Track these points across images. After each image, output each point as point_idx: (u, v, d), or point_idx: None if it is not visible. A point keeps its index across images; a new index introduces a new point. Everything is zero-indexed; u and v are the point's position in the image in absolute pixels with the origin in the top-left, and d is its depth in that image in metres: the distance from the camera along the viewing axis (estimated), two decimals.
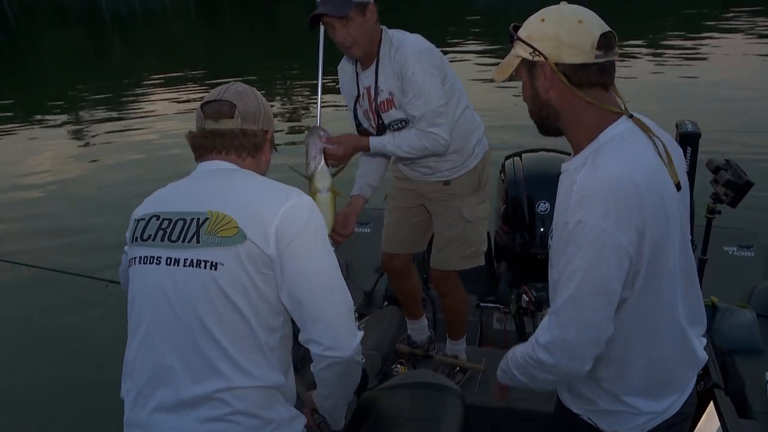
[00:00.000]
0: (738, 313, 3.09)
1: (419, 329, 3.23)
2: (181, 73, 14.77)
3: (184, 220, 1.60)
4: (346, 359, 1.59)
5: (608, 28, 1.43)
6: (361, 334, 1.66)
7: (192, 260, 1.55)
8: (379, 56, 2.49)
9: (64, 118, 11.96)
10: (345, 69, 2.66)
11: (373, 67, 2.51)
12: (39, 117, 11.97)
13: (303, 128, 9.44)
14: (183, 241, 1.58)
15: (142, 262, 1.63)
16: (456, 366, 3.07)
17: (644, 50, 13.71)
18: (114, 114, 11.52)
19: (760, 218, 4.60)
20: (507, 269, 3.78)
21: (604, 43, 1.40)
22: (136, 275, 1.65)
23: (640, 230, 1.39)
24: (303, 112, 11.10)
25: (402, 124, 2.55)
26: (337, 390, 1.73)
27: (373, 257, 3.42)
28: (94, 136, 10.38)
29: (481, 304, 3.61)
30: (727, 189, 2.85)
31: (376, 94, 2.53)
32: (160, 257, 1.59)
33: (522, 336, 3.38)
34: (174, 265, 1.57)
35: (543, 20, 1.45)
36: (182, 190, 1.70)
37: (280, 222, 1.55)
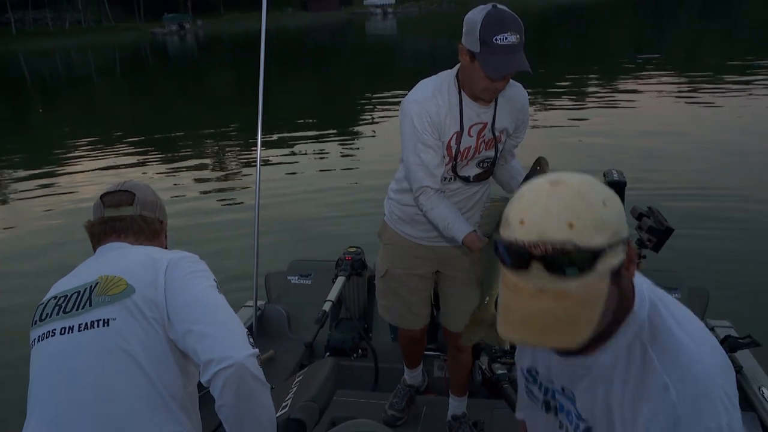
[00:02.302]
0: None
1: (416, 375, 3.27)
2: (106, 136, 14.51)
3: (79, 292, 1.64)
4: (237, 365, 1.50)
5: None
6: (255, 351, 1.58)
7: (86, 323, 1.58)
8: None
9: None
10: (435, 101, 2.36)
11: (492, 104, 2.41)
12: None
13: (241, 186, 9.43)
14: (77, 309, 1.61)
15: (39, 340, 1.65)
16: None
17: (567, 100, 14.84)
18: (34, 179, 11.08)
19: (683, 261, 4.88)
20: None
21: None
22: (34, 355, 1.66)
23: None
24: (237, 169, 11.09)
25: (488, 164, 2.54)
26: (244, 418, 1.56)
27: (313, 308, 3.43)
28: (11, 201, 10.01)
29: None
30: (650, 235, 3.00)
31: (493, 129, 2.44)
32: (55, 329, 1.60)
33: None
34: (68, 333, 1.58)
35: (604, 203, 1.07)
36: (79, 271, 1.74)
37: (167, 270, 1.63)
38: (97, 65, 42.95)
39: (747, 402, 2.95)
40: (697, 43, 28.08)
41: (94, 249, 1.82)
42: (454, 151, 2.41)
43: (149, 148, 12.96)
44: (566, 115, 12.61)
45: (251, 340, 1.62)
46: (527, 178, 2.11)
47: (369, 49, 38.58)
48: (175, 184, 9.84)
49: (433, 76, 2.45)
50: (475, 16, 2.18)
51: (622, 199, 3.25)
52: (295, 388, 2.31)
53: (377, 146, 12.12)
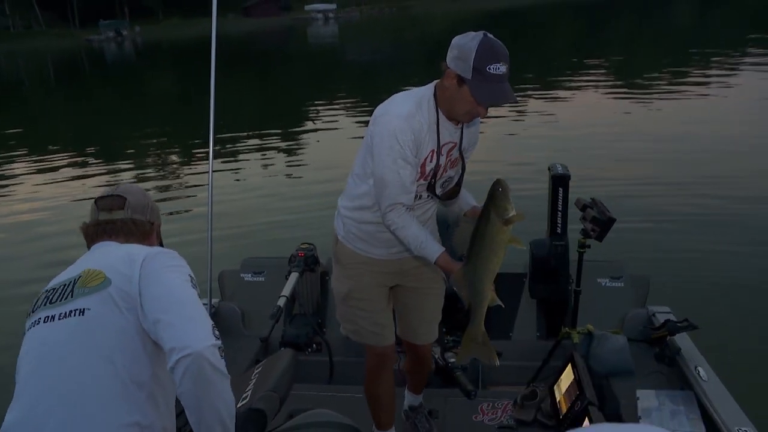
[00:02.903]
0: (612, 339, 3.36)
1: None
2: (42, 146, 14.15)
3: (65, 285, 1.77)
4: (196, 354, 1.56)
5: None
6: (217, 342, 1.64)
7: (65, 312, 1.70)
8: None
9: None
10: (418, 118, 2.36)
11: (461, 125, 2.47)
12: None
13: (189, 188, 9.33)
14: (60, 300, 1.73)
15: (28, 329, 1.77)
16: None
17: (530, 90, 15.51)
18: None
19: (626, 251, 5.08)
20: None
21: None
22: (23, 343, 1.76)
23: None
24: (183, 173, 10.97)
25: (448, 183, 2.57)
26: (202, 406, 1.61)
27: (267, 305, 3.47)
28: None
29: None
30: (593, 225, 3.14)
31: (460, 149, 2.51)
32: (40, 318, 1.73)
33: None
34: (50, 321, 1.71)
35: None
36: (71, 266, 1.86)
37: (143, 263, 1.73)
38: (29, 72, 41.61)
39: (685, 382, 3.11)
40: (634, 44, 29.02)
41: (89, 248, 1.95)
42: (428, 169, 2.42)
43: (90, 157, 12.71)
44: (510, 115, 12.93)
45: (216, 332, 1.67)
46: (489, 198, 2.19)
47: (312, 54, 38.48)
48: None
49: (409, 92, 2.44)
50: (468, 42, 2.21)
51: (566, 191, 3.44)
52: (254, 379, 2.36)
53: (322, 149, 12.33)
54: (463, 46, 2.22)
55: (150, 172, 11.43)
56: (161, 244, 2.07)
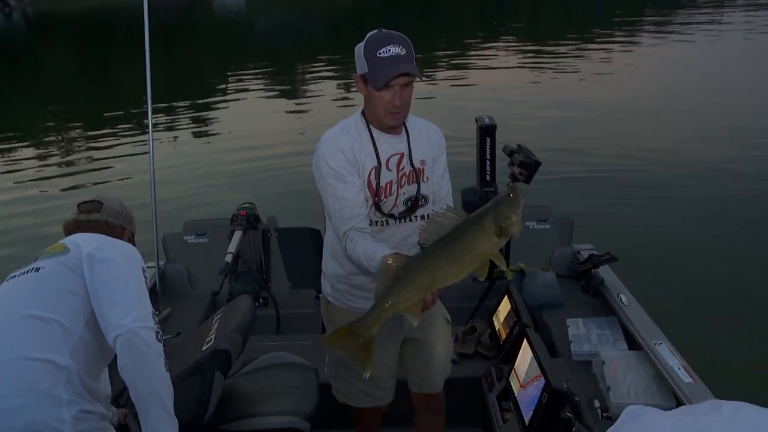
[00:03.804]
0: (541, 275, 3.63)
1: None
2: None
3: (36, 257, 2.06)
4: (130, 332, 1.83)
5: None
6: (150, 324, 1.89)
7: (25, 270, 1.99)
8: (406, 122, 2.36)
9: None
10: (345, 137, 2.28)
11: (404, 133, 2.35)
12: None
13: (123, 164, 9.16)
14: (27, 266, 2.02)
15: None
16: None
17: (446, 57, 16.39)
18: None
19: (550, 196, 5.53)
20: None
21: None
22: None
23: None
24: (113, 147, 10.71)
25: (410, 201, 2.37)
26: (136, 380, 1.84)
27: (211, 264, 3.65)
28: None
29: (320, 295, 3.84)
30: (521, 169, 3.35)
31: (411, 161, 2.34)
32: (9, 278, 2.01)
33: None
34: (13, 279, 2.00)
35: None
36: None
37: (104, 243, 2.03)
38: None
39: (609, 308, 3.41)
40: (539, 13, 30.07)
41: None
42: (375, 186, 2.28)
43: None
44: (445, 79, 13.73)
45: (155, 318, 1.94)
46: (493, 200, 1.86)
47: (218, 27, 37.56)
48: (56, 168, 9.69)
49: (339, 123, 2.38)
50: (360, 43, 2.20)
51: (494, 140, 3.64)
52: (216, 324, 2.49)
53: (240, 118, 12.59)
54: (357, 47, 2.20)
55: (74, 146, 11.40)
56: None
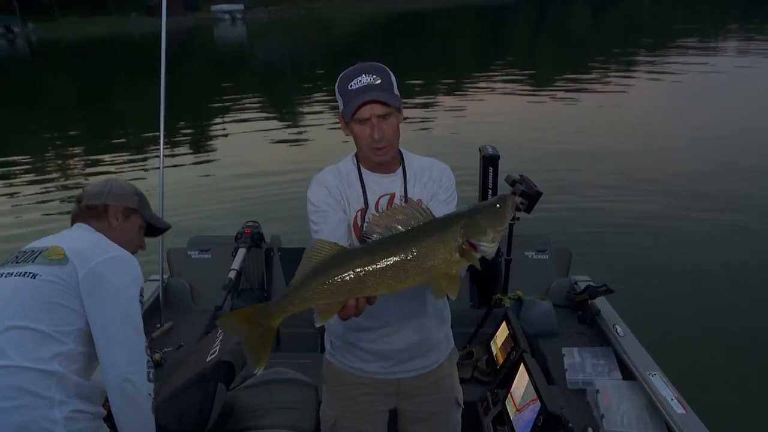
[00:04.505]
0: (539, 304, 3.69)
1: None
2: None
3: (33, 251, 2.08)
4: (122, 378, 1.91)
5: None
6: (143, 369, 1.96)
7: (21, 272, 2.00)
8: (404, 159, 2.18)
9: None
10: (330, 176, 2.16)
11: (399, 171, 2.16)
12: None
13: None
14: (24, 262, 2.03)
15: None
16: None
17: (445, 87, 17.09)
18: None
19: (550, 226, 5.58)
20: None
21: None
22: None
23: None
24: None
25: None
26: (121, 420, 1.95)
27: (214, 280, 3.73)
28: None
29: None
30: (523, 198, 3.45)
31: (405, 198, 2.12)
32: (3, 273, 2.02)
33: None
34: (8, 276, 2.00)
35: None
36: (49, 237, 2.17)
37: (102, 262, 2.01)
38: None
39: (605, 339, 3.47)
40: (536, 46, 30.62)
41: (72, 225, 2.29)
42: (360, 228, 2.11)
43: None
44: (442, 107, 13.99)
45: (151, 364, 2.00)
46: (473, 207, 1.64)
47: (218, 56, 38.10)
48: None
49: None
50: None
51: (496, 170, 3.74)
52: (221, 336, 2.55)
53: (246, 144, 12.76)
54: (336, 89, 2.06)
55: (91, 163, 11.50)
56: (146, 223, 2.40)
